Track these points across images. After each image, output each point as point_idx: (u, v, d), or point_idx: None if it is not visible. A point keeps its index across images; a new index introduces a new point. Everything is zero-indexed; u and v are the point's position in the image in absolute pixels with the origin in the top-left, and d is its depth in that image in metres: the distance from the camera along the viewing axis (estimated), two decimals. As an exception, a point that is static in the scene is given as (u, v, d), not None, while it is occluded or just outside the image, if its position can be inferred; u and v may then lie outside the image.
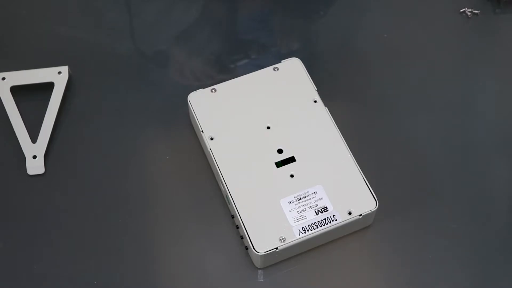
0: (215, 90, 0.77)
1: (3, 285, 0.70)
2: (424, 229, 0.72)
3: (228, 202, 0.71)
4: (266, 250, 0.67)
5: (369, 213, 0.69)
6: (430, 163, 0.77)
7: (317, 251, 0.71)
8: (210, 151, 0.73)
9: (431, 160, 0.77)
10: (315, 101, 0.76)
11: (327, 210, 0.69)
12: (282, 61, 0.79)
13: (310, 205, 0.69)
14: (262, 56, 0.84)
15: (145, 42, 0.86)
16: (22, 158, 0.76)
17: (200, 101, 0.76)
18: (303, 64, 0.78)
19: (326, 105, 0.76)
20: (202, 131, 0.74)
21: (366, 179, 0.71)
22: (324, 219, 0.69)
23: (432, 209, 0.73)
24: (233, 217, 0.70)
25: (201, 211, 0.73)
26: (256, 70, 0.78)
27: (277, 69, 0.78)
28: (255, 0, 0.89)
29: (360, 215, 0.69)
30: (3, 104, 0.79)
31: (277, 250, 0.67)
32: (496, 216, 0.74)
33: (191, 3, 0.88)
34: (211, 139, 0.73)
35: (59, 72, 0.81)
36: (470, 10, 0.87)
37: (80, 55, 0.84)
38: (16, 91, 0.80)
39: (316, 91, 0.76)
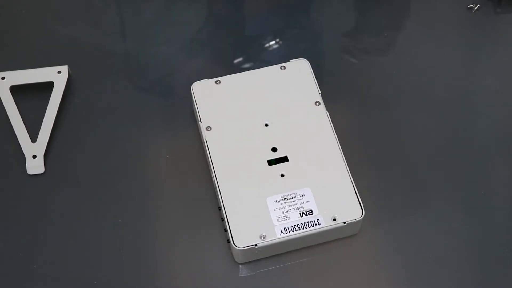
0: (219, 82, 0.77)
1: (3, 285, 0.70)
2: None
3: (217, 194, 0.71)
4: (245, 246, 0.67)
5: (354, 221, 0.69)
6: (430, 166, 0.76)
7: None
8: (205, 141, 0.73)
9: (431, 163, 0.76)
10: (317, 104, 0.76)
11: (312, 214, 0.69)
12: (290, 60, 0.79)
13: (296, 206, 0.69)
14: (272, 55, 0.84)
15: (145, 42, 0.86)
16: (22, 157, 0.76)
17: (203, 91, 0.77)
18: (310, 66, 0.78)
19: (328, 108, 0.76)
20: (200, 120, 0.75)
21: (359, 187, 0.70)
22: (307, 222, 0.69)
23: (423, 218, 0.73)
24: (219, 209, 0.71)
25: (199, 208, 0.73)
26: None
27: (284, 68, 0.78)
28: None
29: (345, 222, 0.69)
30: (2, 104, 0.79)
31: (256, 246, 0.67)
32: (496, 217, 0.74)
33: (194, 2, 0.88)
34: (208, 129, 0.74)
35: (59, 72, 0.81)
36: (473, 5, 0.87)
37: (80, 55, 0.84)
38: (15, 90, 0.80)
39: (320, 94, 0.76)
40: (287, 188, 0.70)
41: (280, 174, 0.71)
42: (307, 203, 0.70)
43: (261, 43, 0.86)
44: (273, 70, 0.78)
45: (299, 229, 0.68)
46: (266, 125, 0.74)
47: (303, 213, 0.69)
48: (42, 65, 0.81)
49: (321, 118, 0.75)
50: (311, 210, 0.69)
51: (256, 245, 0.67)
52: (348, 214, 0.69)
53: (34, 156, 0.76)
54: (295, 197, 0.70)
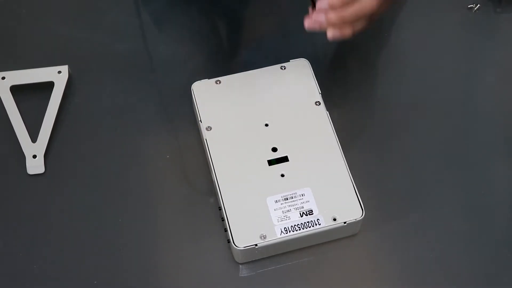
0: (220, 82, 0.77)
1: (3, 285, 0.70)
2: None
3: (217, 194, 0.71)
4: (245, 246, 0.67)
5: (354, 221, 0.69)
6: (430, 166, 0.76)
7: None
8: (205, 141, 0.73)
9: (431, 163, 0.76)
10: (317, 104, 0.76)
11: (312, 214, 0.69)
12: (290, 60, 0.79)
13: (296, 206, 0.69)
14: (272, 55, 0.84)
15: (145, 42, 0.86)
16: (22, 157, 0.76)
17: (203, 91, 0.77)
18: (310, 66, 0.78)
19: (328, 108, 0.76)
20: (200, 120, 0.75)
21: (359, 187, 0.70)
22: (308, 222, 0.69)
23: (423, 218, 0.73)
24: (220, 209, 0.71)
25: (199, 208, 0.73)
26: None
27: (284, 68, 0.78)
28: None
29: (345, 222, 0.69)
30: (3, 104, 0.79)
31: (256, 246, 0.67)
32: (496, 217, 0.74)
33: (194, 2, 0.88)
34: (208, 129, 0.74)
35: (59, 72, 0.81)
36: (473, 5, 0.87)
37: (80, 55, 0.84)
38: (16, 90, 0.80)
39: (320, 94, 0.76)
40: (287, 188, 0.70)
41: (280, 174, 0.71)
42: (307, 203, 0.70)
43: (261, 43, 0.86)
44: (273, 70, 0.78)
45: (299, 229, 0.68)
46: (266, 125, 0.74)
47: (303, 213, 0.69)
48: (42, 65, 0.81)
49: (321, 118, 0.75)
50: (311, 210, 0.69)
51: (256, 245, 0.67)
52: (348, 214, 0.69)
53: (34, 156, 0.76)
54: (295, 197, 0.70)
